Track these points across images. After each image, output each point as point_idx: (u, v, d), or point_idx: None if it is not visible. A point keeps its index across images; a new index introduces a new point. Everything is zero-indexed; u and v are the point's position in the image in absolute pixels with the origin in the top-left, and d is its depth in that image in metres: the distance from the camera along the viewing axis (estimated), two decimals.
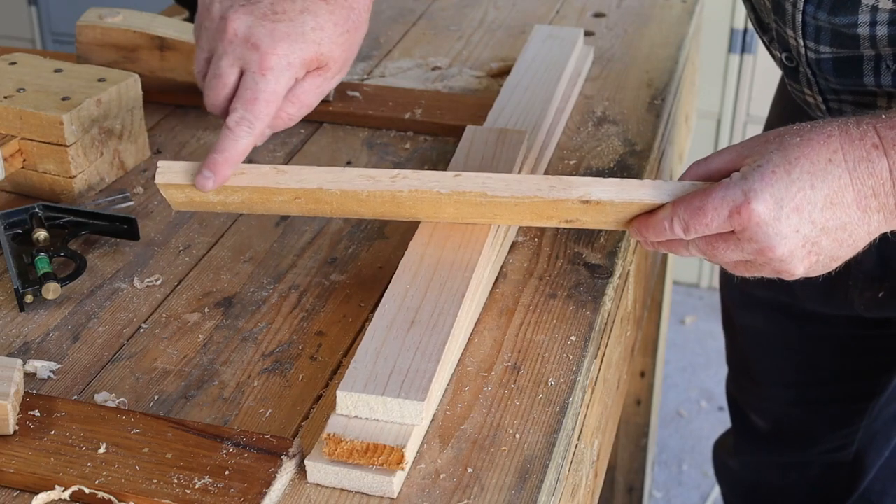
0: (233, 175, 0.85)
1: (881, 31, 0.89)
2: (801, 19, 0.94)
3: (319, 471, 0.70)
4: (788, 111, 1.13)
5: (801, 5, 0.93)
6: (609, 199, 0.80)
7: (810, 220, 0.75)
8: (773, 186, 0.75)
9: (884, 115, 0.76)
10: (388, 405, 0.71)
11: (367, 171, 0.84)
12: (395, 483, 0.69)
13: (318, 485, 0.70)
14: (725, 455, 1.49)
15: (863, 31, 0.90)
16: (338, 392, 0.71)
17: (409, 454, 0.70)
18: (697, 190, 0.78)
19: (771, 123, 1.27)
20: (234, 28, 0.83)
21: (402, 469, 0.69)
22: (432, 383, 0.72)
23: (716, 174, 0.79)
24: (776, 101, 1.27)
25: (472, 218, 0.86)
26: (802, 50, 0.97)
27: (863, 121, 0.77)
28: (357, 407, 0.71)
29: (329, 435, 0.70)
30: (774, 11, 0.98)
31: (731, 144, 0.81)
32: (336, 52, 0.86)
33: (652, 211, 0.80)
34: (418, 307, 0.78)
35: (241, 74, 0.84)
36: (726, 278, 1.36)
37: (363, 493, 0.70)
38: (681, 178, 0.81)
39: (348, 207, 0.86)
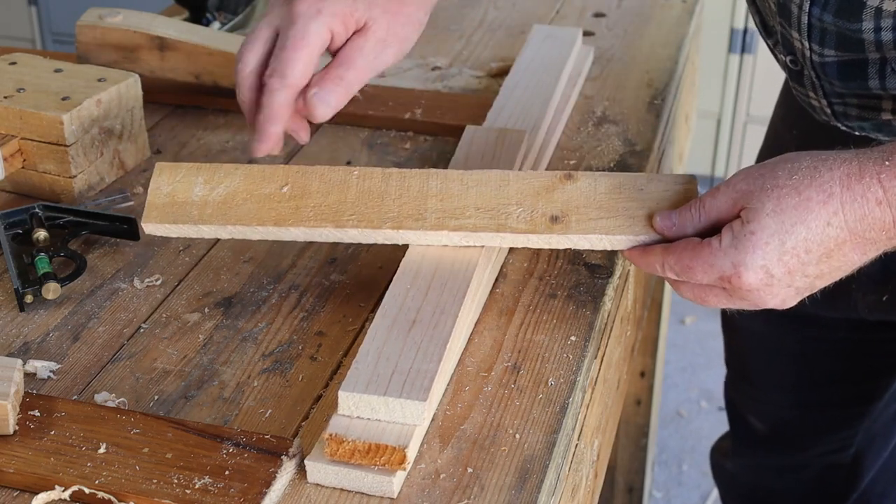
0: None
1: (886, 35, 0.88)
2: (806, 21, 0.93)
3: (319, 471, 0.70)
4: (793, 114, 1.13)
5: (806, 7, 0.92)
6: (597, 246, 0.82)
7: (804, 275, 0.75)
8: (765, 259, 0.74)
9: (888, 161, 0.74)
10: (389, 405, 0.71)
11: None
12: (396, 483, 0.69)
13: (318, 485, 0.70)
14: (723, 458, 1.49)
15: (868, 35, 0.89)
16: (339, 392, 0.71)
17: (411, 454, 0.70)
18: (688, 244, 0.77)
19: (774, 125, 1.26)
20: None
21: (404, 469, 0.69)
22: (434, 383, 0.72)
23: (713, 223, 0.78)
24: (780, 103, 1.27)
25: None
26: (807, 53, 0.96)
27: (866, 170, 0.74)
28: (359, 407, 0.71)
29: (331, 435, 0.70)
30: (780, 14, 0.97)
31: (726, 181, 0.79)
32: (375, 13, 0.85)
33: (648, 246, 0.80)
34: (419, 307, 0.78)
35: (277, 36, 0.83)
36: None
37: (363, 494, 0.70)
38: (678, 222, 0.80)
39: (331, 201, 0.84)
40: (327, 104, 0.85)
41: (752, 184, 0.76)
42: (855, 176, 0.74)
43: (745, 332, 1.35)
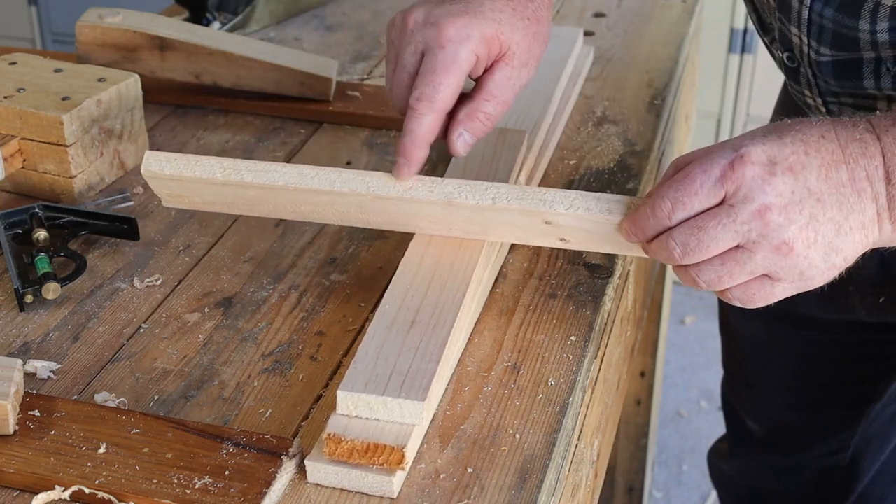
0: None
1: (882, 36, 0.89)
2: (807, 16, 0.93)
3: (319, 471, 0.70)
4: (792, 116, 1.13)
5: (808, 2, 0.92)
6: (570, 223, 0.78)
7: (806, 185, 0.71)
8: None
9: (877, 112, 0.75)
10: (388, 405, 0.71)
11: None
12: (395, 483, 0.69)
13: (318, 485, 0.70)
14: (720, 460, 1.49)
15: (864, 35, 0.89)
16: (338, 392, 0.71)
17: (410, 454, 0.70)
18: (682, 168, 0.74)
19: None
20: (414, 18, 0.83)
21: (403, 469, 0.69)
22: (432, 383, 0.72)
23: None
24: (780, 103, 1.27)
25: (462, 231, 0.85)
26: (806, 49, 0.96)
27: (855, 116, 0.75)
28: (357, 407, 0.71)
29: (329, 435, 0.70)
30: (779, 9, 0.97)
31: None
32: (517, 37, 0.84)
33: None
34: (418, 307, 0.78)
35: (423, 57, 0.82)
36: None
37: (363, 494, 0.70)
38: (664, 177, 0.77)
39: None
40: (470, 143, 0.85)
41: (744, 138, 0.75)
42: (846, 118, 0.75)
43: (743, 334, 1.35)
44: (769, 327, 1.29)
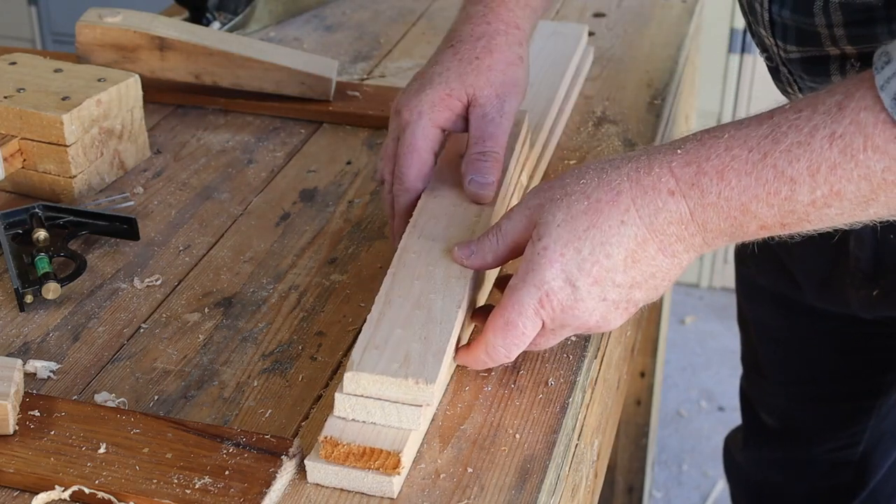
0: None
1: (839, 31, 0.89)
2: (768, 18, 0.95)
3: (319, 471, 0.70)
4: None
5: (766, 4, 0.94)
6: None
7: (614, 284, 0.72)
8: (566, 271, 0.72)
9: (680, 150, 0.72)
10: (385, 409, 0.70)
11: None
12: (396, 483, 0.69)
13: (318, 485, 0.70)
14: (735, 450, 1.49)
15: (822, 29, 0.90)
16: (336, 394, 0.71)
17: (406, 459, 0.70)
18: (495, 310, 0.75)
19: None
20: (393, 107, 0.91)
21: (399, 474, 0.69)
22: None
23: (512, 246, 0.77)
24: None
25: None
26: (775, 49, 0.98)
27: (656, 161, 0.72)
28: (354, 410, 0.71)
29: (326, 437, 0.70)
30: (749, 12, 0.99)
31: (520, 200, 0.78)
32: (469, 81, 0.89)
33: (468, 345, 0.77)
34: (420, 306, 0.78)
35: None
36: (739, 274, 1.36)
37: (363, 494, 0.70)
38: (475, 256, 0.78)
39: None
40: (486, 184, 0.87)
41: (542, 197, 0.75)
42: (644, 169, 0.72)
43: (757, 324, 1.35)
44: (774, 313, 1.29)
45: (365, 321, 0.75)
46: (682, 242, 0.72)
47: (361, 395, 0.70)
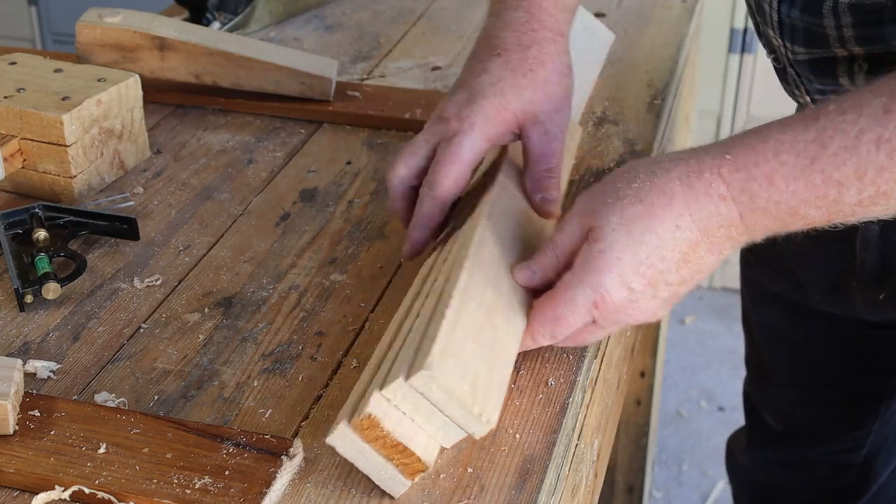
0: None
1: (848, 31, 0.89)
2: (777, 18, 0.95)
3: (345, 438, 0.67)
4: None
5: (775, 5, 0.94)
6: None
7: (666, 284, 0.74)
8: (622, 275, 0.73)
9: (728, 155, 0.73)
10: (433, 416, 0.67)
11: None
12: (406, 487, 0.68)
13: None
14: (737, 451, 1.49)
15: (830, 30, 0.90)
16: (398, 379, 0.66)
17: (427, 467, 0.69)
18: (542, 299, 0.75)
19: None
20: (435, 114, 0.89)
21: (413, 480, 0.68)
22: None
23: (570, 256, 0.77)
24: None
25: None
26: (783, 50, 0.98)
27: (705, 166, 0.73)
28: (406, 400, 0.67)
29: (370, 415, 0.66)
30: (757, 13, 0.99)
31: (570, 209, 0.78)
32: (526, 96, 0.87)
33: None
34: (489, 323, 0.74)
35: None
36: (745, 277, 1.36)
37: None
38: (537, 261, 0.78)
39: None
40: (553, 201, 0.88)
41: (594, 202, 0.76)
42: (694, 174, 0.73)
43: (762, 327, 1.35)
44: (781, 317, 1.29)
45: (439, 314, 0.71)
46: (729, 241, 0.74)
47: (422, 394, 0.67)
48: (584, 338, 0.78)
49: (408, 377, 0.66)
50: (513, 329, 0.75)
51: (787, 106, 1.02)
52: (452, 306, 0.71)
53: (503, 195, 0.86)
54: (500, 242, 0.81)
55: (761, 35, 1.04)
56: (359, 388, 0.72)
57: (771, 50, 1.01)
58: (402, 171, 0.88)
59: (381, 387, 0.67)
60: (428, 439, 0.69)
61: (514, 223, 0.84)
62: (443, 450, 0.72)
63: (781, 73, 1.03)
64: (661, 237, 0.73)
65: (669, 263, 0.73)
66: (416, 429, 0.68)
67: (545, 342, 0.77)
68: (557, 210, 0.88)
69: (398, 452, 0.67)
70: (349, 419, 0.68)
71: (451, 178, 0.85)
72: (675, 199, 0.73)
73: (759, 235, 0.74)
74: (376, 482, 0.69)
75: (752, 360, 1.42)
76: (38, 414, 0.75)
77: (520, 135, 0.88)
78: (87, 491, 0.69)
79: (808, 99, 1.01)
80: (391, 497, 0.69)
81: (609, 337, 0.91)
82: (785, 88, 1.05)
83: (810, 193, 0.71)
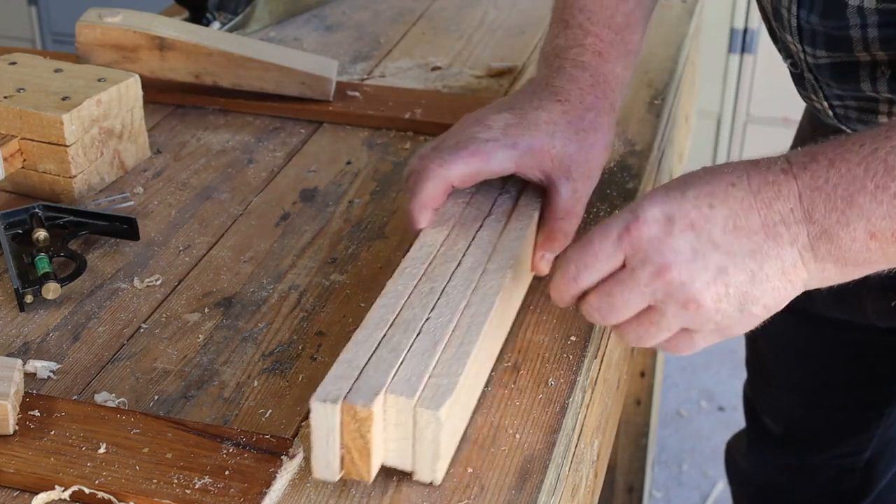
0: None
1: (872, 32, 0.89)
2: (796, 24, 0.94)
3: (333, 412, 0.66)
4: (816, 118, 1.13)
5: (794, 10, 0.93)
6: None
7: (709, 239, 0.70)
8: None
9: (798, 150, 0.73)
10: (402, 438, 0.68)
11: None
12: (333, 481, 0.68)
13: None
14: (737, 454, 1.49)
15: (854, 32, 0.89)
16: (419, 407, 0.67)
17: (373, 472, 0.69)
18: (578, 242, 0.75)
19: (802, 127, 1.25)
20: (471, 117, 0.88)
21: (342, 478, 0.68)
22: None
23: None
24: (804, 115, 1.26)
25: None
26: (802, 55, 0.97)
27: (767, 156, 0.73)
28: (401, 412, 0.67)
29: (371, 411, 0.66)
30: (774, 18, 0.98)
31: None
32: (571, 150, 0.86)
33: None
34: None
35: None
36: None
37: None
38: None
39: None
40: (551, 261, 0.87)
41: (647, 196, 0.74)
42: (758, 161, 0.73)
43: (763, 332, 1.35)
44: (786, 324, 1.29)
45: (462, 353, 0.71)
46: (786, 227, 0.70)
47: (415, 423, 0.67)
48: (612, 296, 0.72)
49: (417, 403, 0.67)
50: (482, 382, 0.77)
51: (787, 106, 1.02)
52: (472, 356, 0.71)
53: (526, 240, 0.84)
54: (507, 295, 0.80)
55: (777, 40, 1.03)
56: (361, 341, 0.72)
57: (788, 55, 1.00)
58: (462, 168, 0.85)
59: (389, 390, 0.68)
60: (384, 453, 0.69)
61: (521, 271, 0.84)
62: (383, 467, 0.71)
63: (798, 78, 1.02)
64: (714, 187, 0.71)
65: (717, 214, 0.70)
66: (383, 439, 0.68)
67: (568, 276, 0.73)
68: (546, 270, 0.87)
69: (358, 451, 0.67)
70: (346, 397, 0.67)
71: (468, 169, 0.84)
72: (736, 166, 0.72)
73: (816, 237, 0.70)
74: (311, 458, 0.67)
75: (753, 362, 1.42)
76: (38, 414, 0.75)
77: (546, 182, 0.87)
78: (87, 491, 0.69)
79: (825, 105, 1.00)
80: (391, 497, 0.69)
81: (609, 337, 0.91)
82: (801, 94, 1.04)
83: (870, 181, 0.69)
